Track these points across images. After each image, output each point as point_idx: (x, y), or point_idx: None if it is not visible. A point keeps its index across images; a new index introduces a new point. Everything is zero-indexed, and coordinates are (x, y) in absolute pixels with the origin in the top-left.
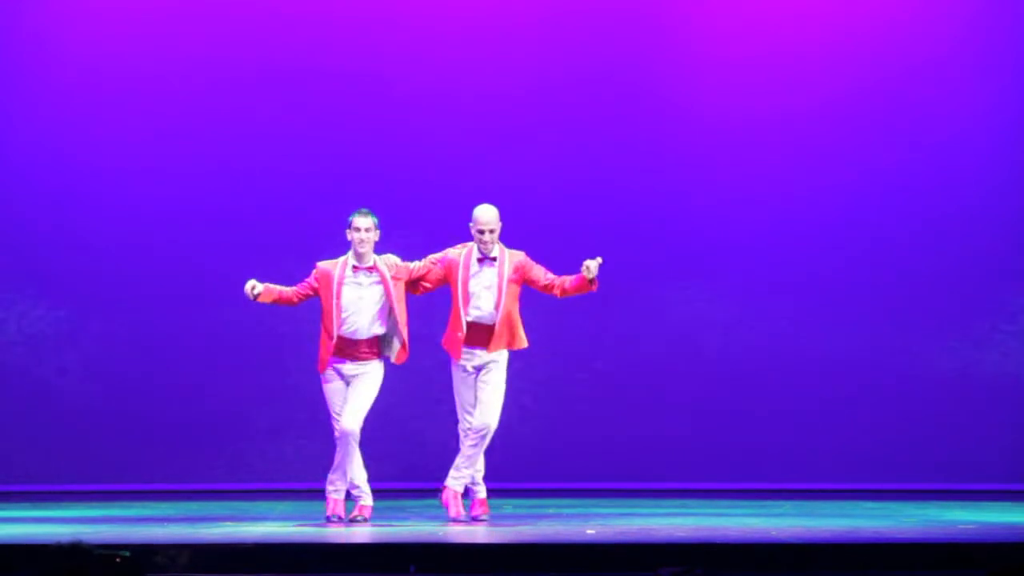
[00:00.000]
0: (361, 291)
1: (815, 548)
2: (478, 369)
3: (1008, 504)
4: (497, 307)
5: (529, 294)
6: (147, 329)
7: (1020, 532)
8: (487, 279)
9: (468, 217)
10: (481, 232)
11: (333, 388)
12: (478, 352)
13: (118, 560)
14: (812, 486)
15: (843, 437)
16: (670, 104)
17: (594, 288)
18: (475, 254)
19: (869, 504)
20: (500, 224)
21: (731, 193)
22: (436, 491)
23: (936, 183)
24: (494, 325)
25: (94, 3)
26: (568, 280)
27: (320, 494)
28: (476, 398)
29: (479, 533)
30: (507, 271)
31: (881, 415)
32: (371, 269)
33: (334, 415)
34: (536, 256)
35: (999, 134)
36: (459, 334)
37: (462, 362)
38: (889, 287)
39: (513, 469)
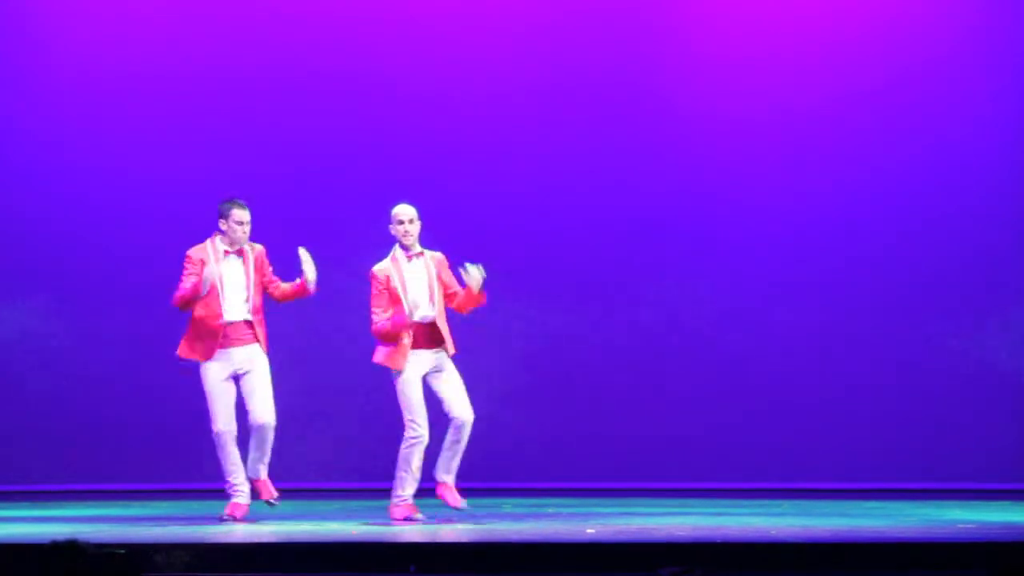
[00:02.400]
0: (233, 273)
1: (815, 548)
2: (429, 371)
3: (1008, 504)
4: (431, 300)
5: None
6: (146, 328)
7: (1020, 532)
8: (419, 274)
9: (467, 218)
10: (402, 223)
11: (220, 383)
12: (428, 353)
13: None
14: (812, 486)
15: (843, 437)
16: (666, 103)
17: (482, 301)
18: (400, 255)
19: (869, 504)
20: (420, 222)
21: (730, 192)
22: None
23: (936, 183)
24: (434, 321)
25: (92, 3)
26: (460, 294)
27: (320, 494)
28: (443, 397)
29: (479, 533)
30: (432, 266)
31: (881, 415)
32: (240, 252)
33: (215, 413)
34: (533, 255)
35: (999, 134)
36: (407, 341)
37: (408, 368)
38: (889, 287)
39: (513, 469)
